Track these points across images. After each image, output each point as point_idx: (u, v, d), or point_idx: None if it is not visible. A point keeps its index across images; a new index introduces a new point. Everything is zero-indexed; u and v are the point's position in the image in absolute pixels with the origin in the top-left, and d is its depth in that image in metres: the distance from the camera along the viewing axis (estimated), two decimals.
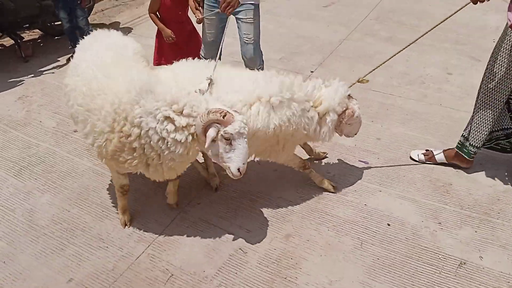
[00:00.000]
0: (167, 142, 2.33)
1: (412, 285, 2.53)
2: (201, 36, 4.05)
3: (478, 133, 3.14)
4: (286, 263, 2.68)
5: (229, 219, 2.98)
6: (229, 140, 2.29)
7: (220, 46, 3.19)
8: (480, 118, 3.10)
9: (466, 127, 3.24)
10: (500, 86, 2.98)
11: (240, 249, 2.76)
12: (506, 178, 3.25)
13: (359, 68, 4.69)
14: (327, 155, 3.53)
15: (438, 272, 2.59)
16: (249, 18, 3.48)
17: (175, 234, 2.88)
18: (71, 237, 2.88)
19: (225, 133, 2.26)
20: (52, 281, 2.60)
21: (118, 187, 2.82)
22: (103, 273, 2.63)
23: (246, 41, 3.55)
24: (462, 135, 3.27)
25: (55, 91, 4.57)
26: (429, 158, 3.41)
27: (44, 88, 4.65)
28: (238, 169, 2.32)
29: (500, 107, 3.04)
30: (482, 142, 3.15)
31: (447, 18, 2.94)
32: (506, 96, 3.00)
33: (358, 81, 3.10)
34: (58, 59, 5.31)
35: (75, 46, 5.09)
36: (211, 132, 2.26)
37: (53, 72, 5.00)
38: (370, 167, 3.41)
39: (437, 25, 2.99)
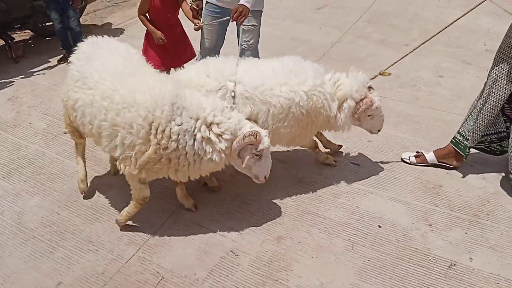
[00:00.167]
0: (201, 159, 2.53)
1: (403, 287, 2.53)
2: (189, 39, 4.07)
3: (478, 133, 3.17)
4: (278, 265, 2.67)
5: (220, 221, 2.97)
6: (259, 155, 2.58)
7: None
8: (484, 119, 3.12)
9: (464, 125, 3.24)
10: (504, 89, 3.01)
11: (231, 251, 2.75)
12: (496, 180, 3.28)
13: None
14: (341, 147, 3.59)
15: (428, 274, 2.60)
16: (251, 24, 3.50)
17: (166, 236, 2.86)
18: (60, 240, 2.85)
19: (257, 151, 2.56)
20: (41, 285, 2.57)
21: (140, 200, 2.78)
22: (93, 277, 2.61)
23: (246, 47, 3.57)
24: (459, 133, 3.28)
25: (45, 92, 4.53)
26: (421, 160, 3.42)
27: (34, 89, 4.61)
28: (265, 176, 2.69)
29: (498, 110, 3.07)
30: (476, 142, 3.19)
31: (458, 19, 2.99)
32: (505, 99, 3.03)
33: (380, 74, 3.11)
34: (49, 60, 5.27)
35: (67, 47, 5.17)
36: (248, 158, 2.57)
37: (43, 73, 4.97)
38: (361, 169, 3.41)
39: (447, 27, 3.11)
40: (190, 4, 3.74)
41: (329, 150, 3.55)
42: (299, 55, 3.07)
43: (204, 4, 3.73)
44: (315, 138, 3.41)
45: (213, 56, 3.32)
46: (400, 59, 3.17)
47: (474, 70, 4.72)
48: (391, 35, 5.66)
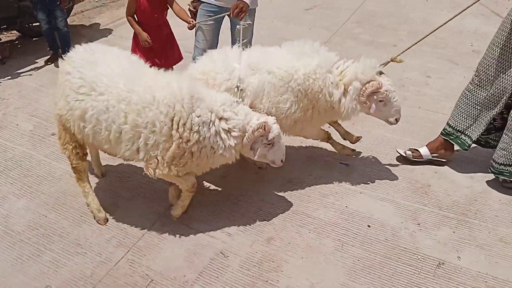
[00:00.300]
0: (215, 153, 2.61)
1: (392, 286, 2.55)
2: (177, 42, 4.05)
3: (480, 128, 3.22)
4: (268, 266, 2.67)
5: (210, 222, 2.96)
6: (271, 144, 2.66)
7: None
8: (487, 114, 3.18)
9: (458, 117, 3.28)
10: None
11: (221, 253, 2.74)
12: (483, 179, 3.31)
13: None
14: (360, 138, 3.56)
15: (417, 273, 2.62)
16: (247, 23, 3.50)
17: (155, 238, 2.85)
18: (48, 243, 2.81)
19: (268, 141, 2.64)
20: None
21: (190, 188, 2.81)
22: (81, 280, 2.58)
23: (240, 45, 3.56)
24: (450, 126, 3.32)
25: (32, 94, 4.48)
26: (417, 156, 3.47)
27: (21, 91, 4.55)
28: (282, 160, 2.78)
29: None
30: (478, 136, 3.26)
31: (450, 20, 3.07)
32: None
33: (392, 60, 3.06)
34: (36, 60, 5.20)
35: (54, 48, 5.11)
36: (259, 149, 2.66)
37: (30, 74, 4.90)
38: (351, 169, 3.43)
39: (441, 26, 3.15)
40: (188, 6, 3.72)
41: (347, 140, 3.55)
42: None
43: (199, 5, 3.69)
44: (331, 130, 3.43)
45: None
46: (412, 46, 3.15)
47: (461, 70, 4.77)
48: (380, 36, 5.70)
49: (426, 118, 4.04)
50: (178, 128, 2.48)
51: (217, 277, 2.60)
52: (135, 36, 3.92)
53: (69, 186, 3.25)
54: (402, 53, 3.10)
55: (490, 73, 3.10)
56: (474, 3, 3.00)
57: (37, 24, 5.32)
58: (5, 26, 5.33)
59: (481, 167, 3.42)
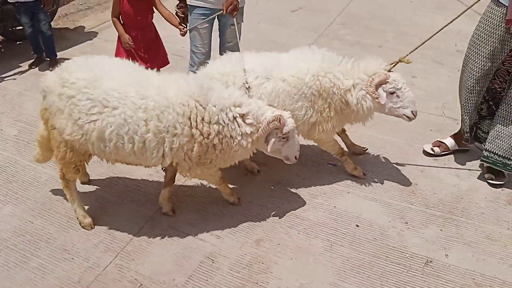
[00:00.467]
0: (233, 142, 2.62)
1: (381, 285, 2.56)
2: (164, 47, 4.03)
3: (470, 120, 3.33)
4: (257, 268, 2.67)
5: (199, 225, 2.95)
6: (285, 138, 2.66)
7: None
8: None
9: (469, 118, 3.30)
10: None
11: (208, 257, 2.72)
12: (469, 177, 3.36)
13: None
14: (367, 150, 3.59)
15: (405, 271, 2.64)
16: (237, 23, 3.50)
17: (144, 242, 2.82)
18: (34, 249, 2.77)
19: (283, 134, 2.64)
20: None
21: (219, 181, 2.93)
22: (69, 286, 2.55)
23: (231, 45, 3.56)
24: (470, 128, 3.34)
25: (16, 98, 4.41)
26: (444, 149, 3.54)
27: (5, 95, 4.48)
28: (295, 157, 2.78)
29: None
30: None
31: (449, 24, 3.13)
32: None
33: (400, 60, 3.02)
34: (20, 65, 5.12)
35: (38, 51, 5.04)
36: (273, 141, 2.65)
37: (14, 78, 4.83)
38: (338, 170, 3.44)
39: (440, 30, 3.16)
40: (176, 11, 3.69)
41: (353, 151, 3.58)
42: None
43: (189, 10, 3.62)
44: (340, 142, 3.43)
45: (207, 60, 3.36)
46: (420, 46, 3.18)
47: (446, 70, 4.83)
48: (365, 37, 5.74)
49: None
50: (197, 126, 2.49)
51: (207, 280, 2.59)
52: (120, 39, 3.90)
53: (55, 191, 3.21)
54: (410, 53, 3.09)
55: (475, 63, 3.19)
56: (473, 4, 3.02)
57: (21, 27, 5.25)
58: None
59: (467, 166, 3.46)
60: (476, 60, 3.11)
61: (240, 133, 2.60)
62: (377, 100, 2.88)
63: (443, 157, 3.55)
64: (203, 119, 2.50)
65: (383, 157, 3.57)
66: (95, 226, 2.92)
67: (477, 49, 3.09)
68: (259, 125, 2.62)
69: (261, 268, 2.66)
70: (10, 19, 5.24)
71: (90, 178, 3.31)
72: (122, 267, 2.66)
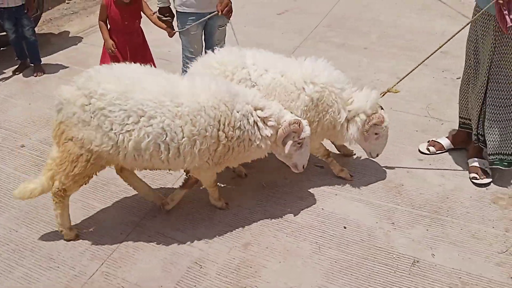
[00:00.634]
0: (251, 145, 2.69)
1: (369, 286, 2.57)
2: (150, 51, 4.02)
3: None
4: (246, 272, 2.66)
5: (186, 230, 2.93)
6: (300, 143, 2.74)
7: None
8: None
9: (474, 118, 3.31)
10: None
11: (196, 262, 2.71)
12: (454, 177, 3.39)
13: None
14: (354, 153, 3.63)
15: (393, 272, 2.65)
16: (224, 24, 3.50)
17: (131, 249, 2.80)
18: (19, 258, 2.74)
19: (300, 139, 2.72)
20: None
21: (213, 183, 2.97)
22: None
23: (219, 46, 3.56)
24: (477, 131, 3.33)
25: (0, 104, 4.35)
26: (439, 148, 3.60)
27: None
28: (303, 166, 2.89)
29: None
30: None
31: (459, 31, 3.08)
32: None
33: (389, 91, 3.23)
34: (4, 71, 5.06)
35: (22, 57, 4.99)
36: (291, 143, 2.71)
37: None
38: (325, 172, 3.46)
39: (451, 37, 3.13)
40: (161, 17, 3.64)
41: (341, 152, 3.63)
42: None
43: (180, 18, 3.62)
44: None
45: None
46: (408, 74, 3.29)
47: (430, 71, 4.88)
48: (351, 39, 5.78)
49: (397, 119, 4.10)
50: (224, 128, 2.56)
51: (195, 285, 2.58)
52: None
53: (39, 199, 3.14)
54: (398, 82, 3.28)
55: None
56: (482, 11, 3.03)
57: (4, 33, 5.19)
58: None
59: (452, 166, 3.50)
60: None
61: (260, 136, 2.68)
62: (365, 135, 3.05)
63: (428, 157, 3.58)
64: (229, 123, 2.58)
65: (370, 159, 3.59)
66: (81, 234, 2.88)
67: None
68: (279, 127, 2.70)
69: (250, 272, 2.66)
70: None
71: None
72: (109, 274, 2.64)
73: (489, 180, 3.29)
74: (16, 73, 4.98)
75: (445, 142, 3.62)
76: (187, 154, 2.55)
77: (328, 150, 3.34)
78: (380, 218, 3.03)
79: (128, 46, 3.84)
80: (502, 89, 3.08)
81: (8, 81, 4.85)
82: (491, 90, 3.10)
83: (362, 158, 3.60)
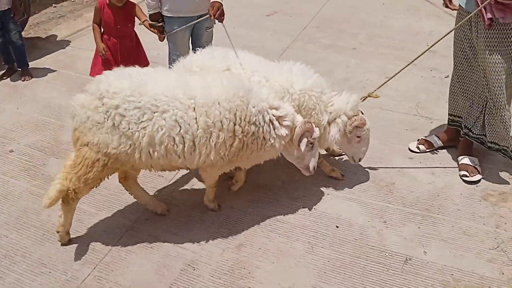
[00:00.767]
0: (266, 144, 2.69)
1: (362, 284, 2.59)
2: (145, 55, 4.00)
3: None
4: (239, 273, 2.66)
5: (179, 233, 2.92)
6: (312, 144, 2.77)
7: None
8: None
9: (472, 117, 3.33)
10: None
11: (189, 265, 2.70)
12: (444, 175, 3.42)
13: None
14: (343, 153, 3.59)
15: (385, 270, 2.67)
16: (211, 26, 3.49)
17: (123, 253, 2.78)
18: (10, 264, 2.70)
19: (312, 139, 2.75)
20: None
21: (213, 185, 2.96)
22: None
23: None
24: (475, 128, 3.33)
25: None
26: (428, 146, 3.64)
27: None
28: (314, 167, 2.91)
29: None
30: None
31: (448, 33, 3.15)
32: None
33: (369, 95, 3.24)
34: None
35: (9, 62, 4.93)
36: (305, 141, 2.72)
37: None
38: (316, 172, 3.43)
39: (442, 38, 3.17)
40: (153, 23, 3.61)
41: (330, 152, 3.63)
42: None
43: (169, 24, 3.60)
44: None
45: None
46: (395, 75, 3.34)
47: (418, 70, 4.93)
48: (340, 40, 5.81)
49: (386, 118, 4.14)
50: (240, 123, 2.55)
51: None
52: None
53: (29, 203, 3.14)
54: (378, 88, 3.29)
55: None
56: (480, 8, 3.05)
57: None
58: None
59: (442, 163, 3.53)
60: None
61: (275, 135, 2.68)
62: (348, 137, 3.05)
63: (418, 155, 3.62)
64: (245, 117, 2.56)
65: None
66: (72, 238, 2.86)
67: None
68: (294, 127, 2.71)
69: (243, 273, 2.65)
70: None
71: None
72: (101, 278, 2.61)
73: (479, 177, 3.32)
74: (4, 77, 4.92)
75: (435, 140, 3.66)
76: (203, 147, 2.53)
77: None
78: (372, 217, 3.05)
79: (120, 50, 3.82)
80: (502, 75, 3.08)
81: None
82: (492, 80, 3.11)
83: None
